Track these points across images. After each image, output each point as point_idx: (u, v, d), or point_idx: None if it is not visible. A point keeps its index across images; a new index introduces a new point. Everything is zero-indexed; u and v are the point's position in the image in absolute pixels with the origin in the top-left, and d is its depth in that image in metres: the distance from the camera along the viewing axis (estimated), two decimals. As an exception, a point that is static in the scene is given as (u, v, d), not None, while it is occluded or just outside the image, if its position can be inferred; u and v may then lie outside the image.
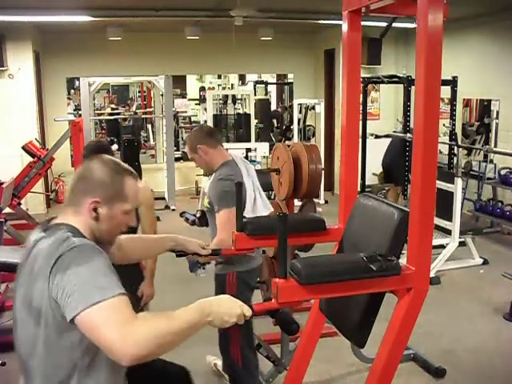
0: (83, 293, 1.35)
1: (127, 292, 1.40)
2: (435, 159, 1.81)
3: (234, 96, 11.95)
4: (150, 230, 2.81)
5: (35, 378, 1.52)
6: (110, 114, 12.87)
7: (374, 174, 7.53)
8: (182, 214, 3.11)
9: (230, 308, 1.50)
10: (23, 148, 5.64)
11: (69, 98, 10.93)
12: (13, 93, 7.19)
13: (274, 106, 13.46)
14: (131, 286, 2.82)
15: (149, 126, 13.16)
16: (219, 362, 3.17)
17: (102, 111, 13.63)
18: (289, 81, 11.31)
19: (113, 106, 14.19)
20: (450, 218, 4.96)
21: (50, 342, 1.44)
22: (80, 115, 7.52)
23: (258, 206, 2.77)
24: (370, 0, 2.05)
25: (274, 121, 12.51)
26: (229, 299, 1.53)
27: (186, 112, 14.04)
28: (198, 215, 3.03)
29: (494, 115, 6.81)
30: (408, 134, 6.43)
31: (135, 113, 13.12)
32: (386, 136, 7.95)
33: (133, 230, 2.78)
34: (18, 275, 1.61)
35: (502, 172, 6.36)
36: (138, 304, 2.80)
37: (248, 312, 1.52)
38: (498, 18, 6.51)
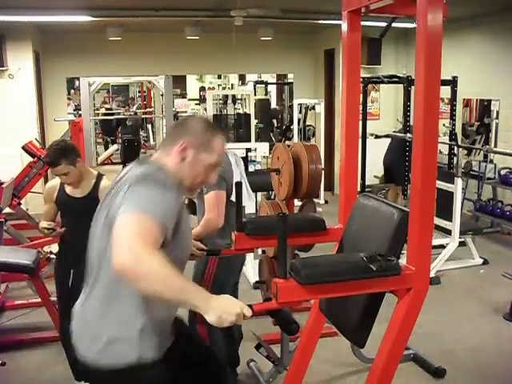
0: (133, 203, 1.50)
1: None
2: (435, 159, 1.81)
3: (233, 96, 11.94)
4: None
5: (101, 289, 1.63)
6: (105, 114, 12.86)
7: (375, 176, 7.53)
8: None
9: (228, 307, 1.49)
10: (23, 148, 5.63)
11: (69, 99, 10.91)
12: (13, 93, 7.18)
13: (273, 106, 13.46)
14: None
15: (149, 126, 13.16)
16: None
17: (96, 111, 13.61)
18: (289, 81, 11.31)
19: (107, 106, 14.18)
20: (450, 218, 4.96)
21: None
22: (80, 115, 7.51)
23: (243, 194, 2.83)
24: (369, 0, 2.05)
25: (274, 121, 12.50)
26: (228, 298, 1.52)
27: (185, 112, 14.04)
28: (185, 202, 3.08)
29: (494, 115, 6.81)
30: (408, 134, 6.42)
31: (135, 113, 13.11)
32: (386, 136, 7.94)
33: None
34: (104, 199, 1.71)
35: (502, 172, 6.35)
36: None
37: (248, 312, 1.51)
38: (498, 18, 6.51)
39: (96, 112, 13.35)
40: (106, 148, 12.24)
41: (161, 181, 1.59)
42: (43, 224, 2.95)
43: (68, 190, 2.84)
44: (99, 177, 2.86)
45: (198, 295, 1.46)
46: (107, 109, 13.76)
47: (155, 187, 1.55)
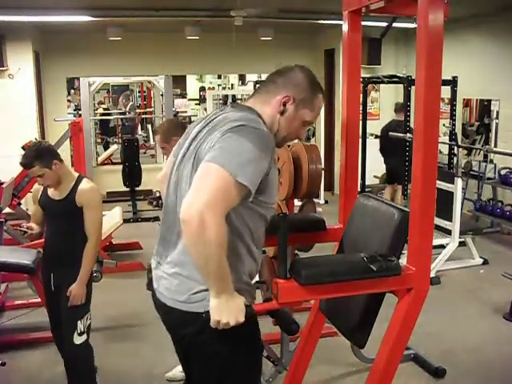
0: (226, 153, 1.46)
1: None
2: (435, 159, 1.81)
3: (234, 96, 11.93)
4: (94, 234, 2.74)
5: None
6: (102, 115, 12.84)
7: (375, 176, 7.52)
8: (146, 197, 3.23)
9: (236, 309, 1.49)
10: (23, 148, 5.62)
11: (69, 101, 10.90)
12: (13, 93, 7.18)
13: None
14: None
15: (149, 126, 13.14)
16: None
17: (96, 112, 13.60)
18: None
19: (104, 106, 14.16)
20: (450, 218, 4.96)
21: None
22: (80, 115, 7.51)
23: None
24: (370, 0, 2.05)
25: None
26: (241, 309, 1.51)
27: (185, 112, 14.02)
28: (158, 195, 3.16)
29: (494, 115, 6.81)
30: (408, 134, 6.42)
31: (129, 113, 13.07)
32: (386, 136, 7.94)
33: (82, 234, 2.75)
34: (192, 137, 1.68)
35: (502, 172, 6.35)
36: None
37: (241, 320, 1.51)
38: (498, 18, 6.51)
39: (95, 112, 13.35)
40: (106, 148, 12.23)
41: (261, 135, 1.54)
42: (24, 225, 2.94)
43: (50, 192, 2.80)
44: (79, 179, 2.79)
45: (221, 285, 1.47)
46: (105, 109, 13.75)
47: (254, 142, 1.49)
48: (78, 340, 2.73)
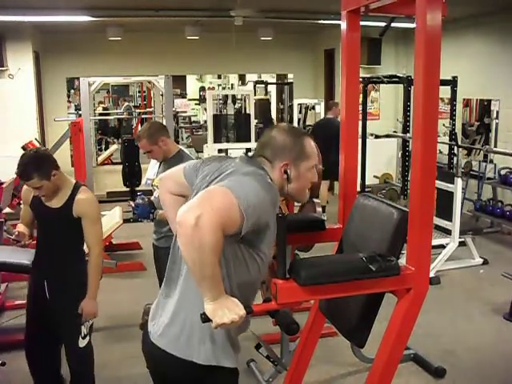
0: (232, 183, 1.52)
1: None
2: (435, 159, 1.81)
3: (234, 96, 11.92)
4: (95, 246, 2.65)
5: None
6: (100, 114, 12.85)
7: (375, 176, 7.53)
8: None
9: (234, 306, 1.49)
10: (23, 148, 5.63)
11: (69, 102, 10.90)
12: (13, 93, 7.19)
13: (274, 106, 13.46)
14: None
15: (149, 126, 13.12)
16: None
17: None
18: (289, 81, 11.31)
19: (103, 105, 14.17)
20: (449, 218, 4.96)
21: None
22: (80, 115, 7.51)
23: None
24: (368, 0, 2.05)
25: (274, 121, 12.49)
26: (236, 302, 1.51)
27: (185, 112, 14.03)
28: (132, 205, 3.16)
29: (494, 115, 6.81)
30: (408, 134, 6.43)
31: (129, 113, 13.08)
32: (386, 136, 7.95)
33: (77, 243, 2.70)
34: (203, 176, 1.75)
35: (502, 172, 6.35)
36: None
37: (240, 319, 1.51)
38: (498, 18, 6.51)
39: (95, 112, 13.36)
40: (106, 148, 12.24)
41: (269, 184, 1.61)
42: (18, 229, 2.77)
43: (44, 198, 2.64)
44: (75, 189, 2.63)
45: (216, 288, 1.48)
46: (104, 108, 13.77)
47: (259, 184, 1.55)
48: (83, 343, 2.71)
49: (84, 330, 2.70)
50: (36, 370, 2.82)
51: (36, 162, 2.53)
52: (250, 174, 1.60)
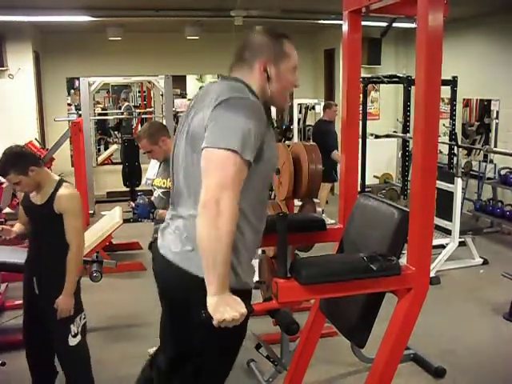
0: (218, 134, 1.52)
1: None
2: (435, 159, 1.81)
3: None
4: (74, 242, 2.65)
5: (189, 196, 1.69)
6: (99, 115, 12.84)
7: (375, 176, 7.53)
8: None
9: (236, 303, 1.49)
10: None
11: (69, 104, 10.89)
12: (13, 93, 7.18)
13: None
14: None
15: (149, 126, 13.10)
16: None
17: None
18: (289, 81, 11.30)
19: (101, 106, 14.16)
20: (450, 218, 4.96)
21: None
22: (80, 115, 7.52)
23: None
24: (369, 0, 2.05)
25: (274, 121, 12.50)
26: (238, 301, 1.51)
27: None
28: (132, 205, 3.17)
29: (494, 115, 6.81)
30: (408, 134, 6.43)
31: (128, 113, 13.06)
32: (386, 136, 7.96)
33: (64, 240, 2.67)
34: (186, 114, 1.77)
35: (502, 172, 6.36)
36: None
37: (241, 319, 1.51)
38: (498, 18, 6.51)
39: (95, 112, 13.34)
40: (105, 148, 12.22)
41: (253, 108, 1.59)
42: (15, 228, 2.90)
43: (32, 195, 2.70)
44: (58, 184, 2.65)
45: (223, 280, 1.49)
46: (102, 109, 13.75)
47: (242, 113, 1.54)
48: (73, 342, 2.71)
49: (74, 328, 2.70)
50: (34, 366, 2.86)
51: (12, 158, 2.61)
52: (232, 102, 1.57)
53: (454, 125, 6.66)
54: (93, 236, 4.90)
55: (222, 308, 1.47)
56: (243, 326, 1.59)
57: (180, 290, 1.70)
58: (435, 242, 4.82)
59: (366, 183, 6.88)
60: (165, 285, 1.82)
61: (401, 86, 6.78)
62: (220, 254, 1.46)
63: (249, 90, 1.68)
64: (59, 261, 2.64)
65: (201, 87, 1.74)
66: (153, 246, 1.89)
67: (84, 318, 2.77)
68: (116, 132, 13.44)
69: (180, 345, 1.87)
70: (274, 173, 1.74)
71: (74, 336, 2.71)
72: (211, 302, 1.48)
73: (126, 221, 5.23)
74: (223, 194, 1.45)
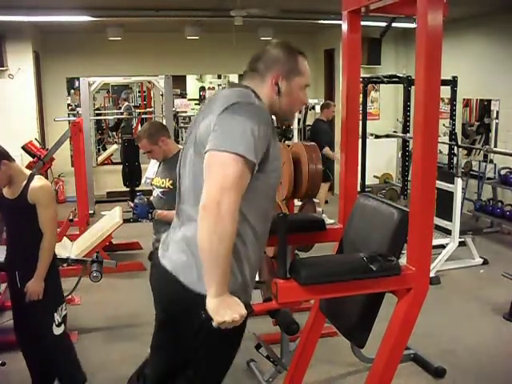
0: (221, 137, 1.52)
1: None
2: (435, 159, 1.81)
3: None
4: (47, 231, 2.73)
5: (195, 203, 1.61)
6: (97, 115, 12.85)
7: (375, 176, 7.53)
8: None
9: (236, 305, 1.49)
10: (23, 148, 5.63)
11: (69, 105, 10.89)
12: (13, 93, 7.18)
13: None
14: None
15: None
16: None
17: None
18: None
19: (97, 106, 14.16)
20: (450, 218, 4.96)
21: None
22: (80, 115, 7.51)
23: None
24: (369, 0, 2.05)
25: (274, 121, 12.49)
26: (238, 302, 1.51)
27: (185, 112, 14.02)
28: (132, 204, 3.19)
29: (494, 115, 6.81)
30: (408, 134, 6.43)
31: (128, 113, 13.06)
32: (386, 136, 7.96)
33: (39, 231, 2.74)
34: (195, 120, 1.78)
35: (502, 172, 6.36)
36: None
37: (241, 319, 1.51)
38: (498, 18, 6.51)
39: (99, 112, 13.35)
40: (104, 148, 12.22)
41: (259, 113, 1.59)
42: None
43: (4, 190, 2.78)
44: (31, 178, 2.74)
45: (223, 282, 1.48)
46: (97, 109, 13.74)
47: (248, 116, 1.54)
48: (58, 331, 2.78)
49: (57, 317, 2.78)
50: (32, 366, 2.93)
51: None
52: (237, 107, 1.56)
53: (453, 125, 6.65)
54: (93, 236, 4.90)
55: (223, 310, 1.47)
56: (241, 328, 1.59)
57: (177, 301, 1.68)
58: (435, 242, 4.82)
59: (366, 183, 6.88)
60: (163, 297, 1.79)
61: (401, 86, 6.78)
62: (221, 256, 1.46)
63: (256, 97, 1.68)
64: (37, 252, 2.72)
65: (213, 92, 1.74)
66: (153, 255, 1.86)
67: (65, 309, 2.85)
68: (114, 133, 13.42)
69: (171, 360, 1.83)
70: (279, 183, 1.71)
71: (58, 325, 2.79)
72: (211, 303, 1.48)
73: (125, 221, 5.22)
74: (224, 196, 1.44)
